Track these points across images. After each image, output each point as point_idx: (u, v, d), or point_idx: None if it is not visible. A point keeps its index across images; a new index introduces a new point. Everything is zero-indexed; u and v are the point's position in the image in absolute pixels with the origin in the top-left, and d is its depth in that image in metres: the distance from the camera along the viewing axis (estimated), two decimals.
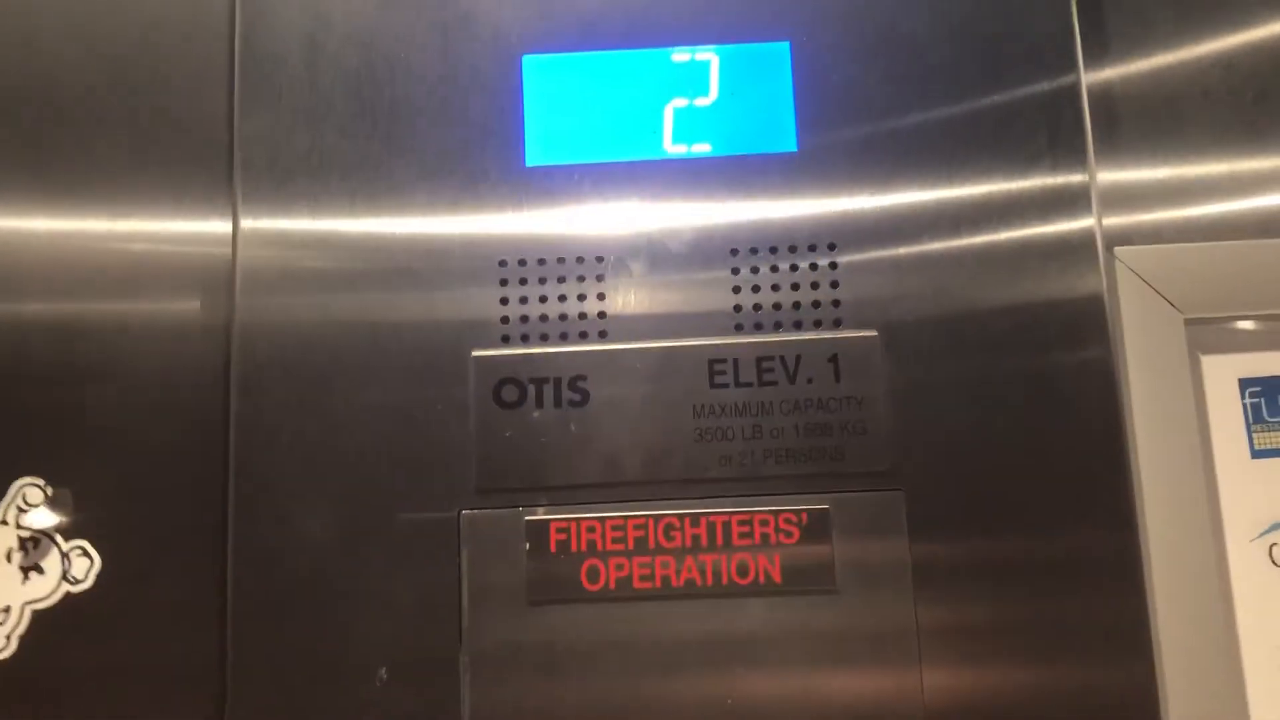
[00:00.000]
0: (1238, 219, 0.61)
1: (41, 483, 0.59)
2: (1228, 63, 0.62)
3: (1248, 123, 0.61)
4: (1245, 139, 0.61)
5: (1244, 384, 0.59)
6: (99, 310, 0.60)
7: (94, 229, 0.61)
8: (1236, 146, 0.61)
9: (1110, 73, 0.62)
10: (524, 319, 0.58)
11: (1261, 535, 0.57)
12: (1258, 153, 0.61)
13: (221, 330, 0.59)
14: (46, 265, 0.61)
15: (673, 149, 0.60)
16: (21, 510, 0.59)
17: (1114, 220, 0.60)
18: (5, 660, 0.58)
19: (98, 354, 0.60)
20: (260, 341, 0.57)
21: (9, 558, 0.59)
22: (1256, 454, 0.58)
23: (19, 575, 0.59)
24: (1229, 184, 0.61)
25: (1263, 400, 0.58)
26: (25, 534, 0.59)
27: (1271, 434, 0.58)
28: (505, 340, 0.58)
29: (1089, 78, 0.60)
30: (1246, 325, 0.59)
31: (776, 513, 0.56)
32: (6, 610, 0.58)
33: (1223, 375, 0.59)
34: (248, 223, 0.59)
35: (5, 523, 0.59)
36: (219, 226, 0.60)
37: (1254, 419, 0.58)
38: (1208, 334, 0.59)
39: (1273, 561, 0.57)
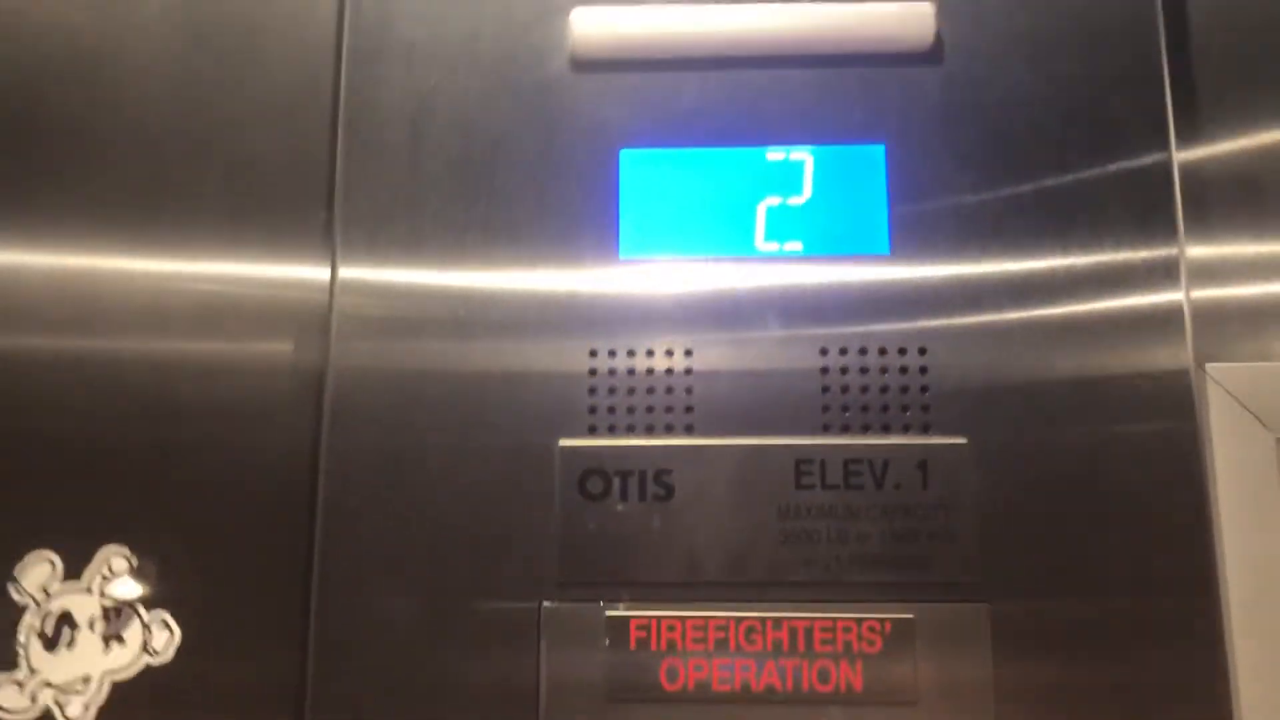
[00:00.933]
0: None
1: (127, 551, 0.60)
2: None
3: None
4: None
5: None
6: (195, 351, 0.62)
7: (196, 271, 0.63)
8: None
9: (1205, 152, 0.62)
10: (611, 410, 0.58)
11: None
12: None
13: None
14: (146, 305, 0.62)
15: (764, 247, 0.60)
16: (106, 579, 0.60)
17: (1204, 294, 0.60)
18: None
19: (189, 398, 0.61)
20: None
21: (92, 626, 0.59)
22: None
23: (101, 645, 0.59)
24: None
25: None
26: (109, 603, 0.59)
27: None
28: (592, 430, 0.58)
29: (1184, 156, 0.60)
30: None
31: (860, 620, 0.55)
32: (87, 680, 0.58)
33: None
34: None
35: (90, 591, 0.59)
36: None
37: None
38: None
39: None
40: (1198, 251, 0.61)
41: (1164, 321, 0.58)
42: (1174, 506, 0.56)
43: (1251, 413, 0.58)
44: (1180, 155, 0.60)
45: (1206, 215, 0.61)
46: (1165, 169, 0.59)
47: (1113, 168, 0.59)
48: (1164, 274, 0.58)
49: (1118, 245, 0.58)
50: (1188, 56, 0.63)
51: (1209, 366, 0.59)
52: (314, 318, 0.61)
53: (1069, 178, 0.59)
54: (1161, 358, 0.57)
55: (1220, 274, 0.61)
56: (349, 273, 0.60)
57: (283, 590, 0.58)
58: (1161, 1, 0.61)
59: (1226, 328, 0.60)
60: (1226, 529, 0.57)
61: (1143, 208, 0.59)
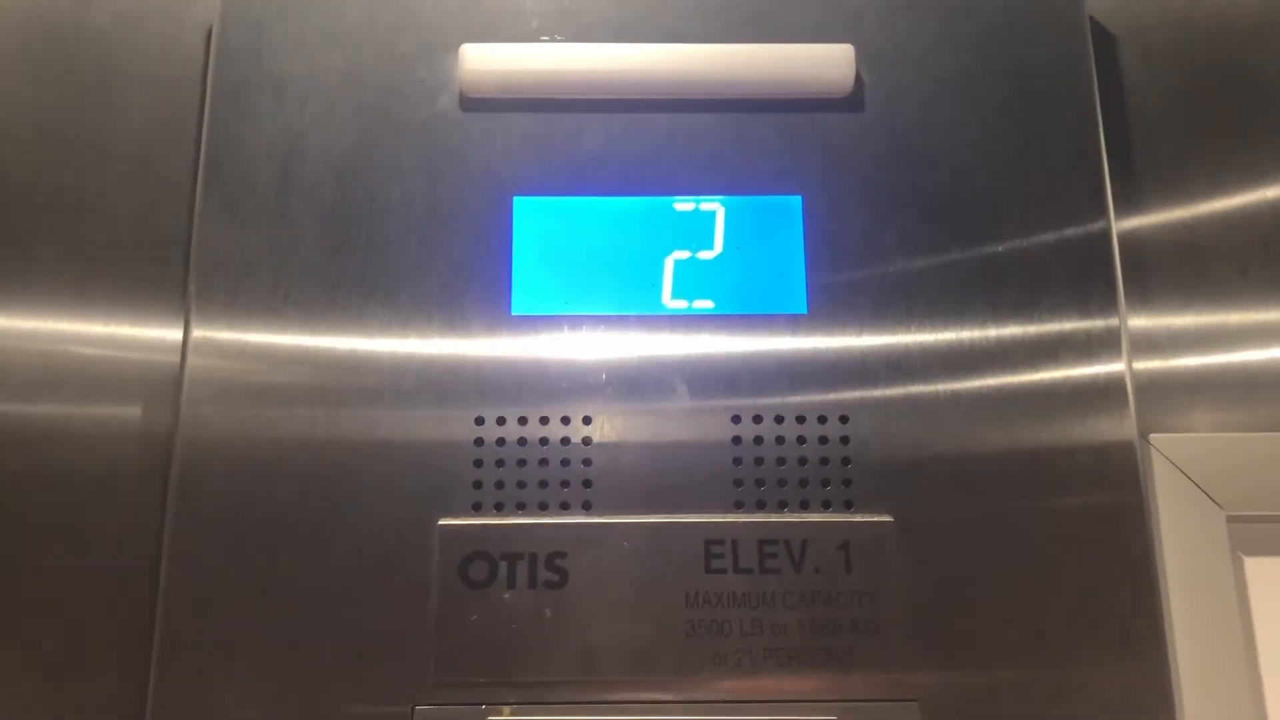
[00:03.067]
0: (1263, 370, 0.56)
1: None
2: (1264, 239, 0.58)
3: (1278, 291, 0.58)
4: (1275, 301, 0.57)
5: None
6: (32, 414, 0.54)
7: (46, 329, 0.56)
8: (1267, 303, 0.57)
9: (1140, 220, 0.58)
10: (499, 485, 0.52)
11: None
12: None
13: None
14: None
15: (672, 304, 0.55)
16: None
17: (1145, 365, 0.56)
18: None
19: (27, 463, 0.54)
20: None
21: None
22: None
23: None
24: (1258, 335, 0.57)
25: None
26: None
27: None
28: (477, 508, 0.51)
29: (1123, 225, 0.57)
30: None
31: None
32: None
33: (1269, 578, 0.53)
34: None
35: None
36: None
37: None
38: (1252, 534, 0.53)
39: None
40: (1139, 321, 0.57)
41: (1105, 393, 0.53)
42: (1120, 583, 0.51)
43: (1197, 485, 0.54)
44: (1119, 223, 0.56)
45: (1146, 284, 0.57)
46: (1104, 235, 0.55)
47: (1048, 230, 0.55)
48: (1104, 344, 0.54)
49: (1054, 313, 0.54)
50: (1121, 115, 0.59)
51: (1153, 438, 0.54)
52: (164, 381, 0.54)
53: (1001, 239, 0.55)
54: (1103, 430, 0.53)
55: (1162, 344, 0.57)
56: (203, 332, 0.53)
57: (119, 688, 0.50)
58: (1095, 60, 0.58)
59: (1169, 399, 0.56)
60: (1175, 604, 0.52)
61: (1081, 275, 0.55)
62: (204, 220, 0.55)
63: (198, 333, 0.53)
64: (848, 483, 0.52)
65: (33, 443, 0.54)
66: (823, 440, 0.53)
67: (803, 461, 0.52)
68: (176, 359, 0.54)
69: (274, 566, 0.50)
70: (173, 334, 0.55)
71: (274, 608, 0.50)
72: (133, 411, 0.55)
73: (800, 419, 0.53)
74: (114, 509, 0.53)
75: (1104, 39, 0.60)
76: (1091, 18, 0.59)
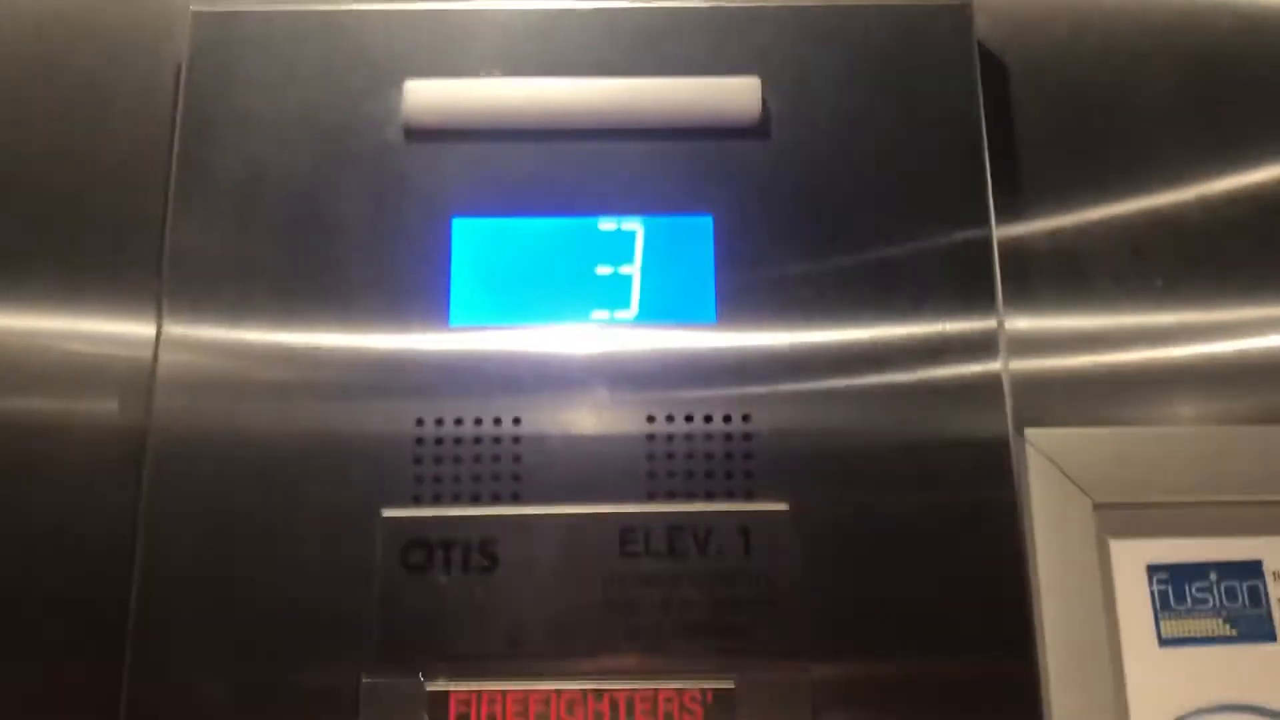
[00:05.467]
0: (1138, 371, 0.62)
1: None
2: (1136, 246, 0.64)
3: (1150, 290, 0.63)
4: (1149, 302, 0.63)
5: (1152, 570, 0.59)
6: (16, 409, 0.61)
7: (32, 327, 0.62)
8: (1140, 308, 0.63)
9: (1022, 229, 0.64)
10: (437, 479, 0.58)
11: None
12: (1161, 313, 0.63)
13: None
14: None
15: (596, 315, 0.61)
16: None
17: (1023, 365, 0.61)
18: None
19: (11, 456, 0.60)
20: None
21: None
22: (1164, 642, 0.58)
23: None
24: (1132, 338, 0.62)
25: (1170, 587, 0.59)
26: None
27: (1179, 622, 0.58)
28: (417, 499, 0.58)
29: (1004, 232, 0.62)
30: (1155, 511, 0.59)
31: (681, 690, 0.55)
32: None
33: (1131, 560, 0.59)
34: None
35: None
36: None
37: (1161, 606, 0.59)
38: (1118, 518, 0.59)
39: None
40: (1018, 323, 0.62)
41: (983, 389, 0.59)
42: (993, 570, 0.57)
43: (1069, 477, 0.59)
44: (1000, 230, 0.62)
45: (1027, 288, 0.63)
46: (985, 243, 0.61)
47: (933, 242, 0.61)
48: (983, 344, 0.59)
49: (938, 316, 0.60)
50: (1008, 134, 0.65)
51: (1028, 432, 0.60)
52: (138, 375, 0.60)
53: (890, 251, 0.61)
54: (981, 424, 0.58)
55: (1040, 345, 0.63)
56: (174, 329, 0.59)
57: (98, 662, 0.56)
58: (985, 85, 0.63)
59: (1046, 396, 0.62)
60: (1045, 592, 0.58)
61: (963, 280, 0.60)
62: (174, 235, 0.61)
63: (169, 329, 0.59)
64: (749, 475, 0.58)
65: (17, 437, 0.60)
66: (727, 437, 0.58)
67: (709, 456, 0.58)
68: (150, 354, 0.59)
69: (235, 551, 0.56)
70: (146, 330, 0.61)
71: (235, 589, 0.56)
72: (110, 405, 0.61)
73: (707, 418, 0.59)
74: (94, 500, 0.59)
75: (994, 66, 0.66)
76: (982, 45, 0.65)
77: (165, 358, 0.59)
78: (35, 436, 0.60)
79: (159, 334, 0.60)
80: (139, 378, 0.60)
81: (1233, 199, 0.65)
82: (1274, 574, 0.59)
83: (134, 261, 0.62)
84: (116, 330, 0.61)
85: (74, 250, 0.63)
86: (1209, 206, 0.65)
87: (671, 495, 0.58)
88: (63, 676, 0.57)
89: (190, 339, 0.60)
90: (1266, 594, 0.59)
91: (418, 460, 0.58)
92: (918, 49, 0.64)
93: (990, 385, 0.59)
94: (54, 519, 0.59)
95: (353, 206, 0.61)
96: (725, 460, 0.58)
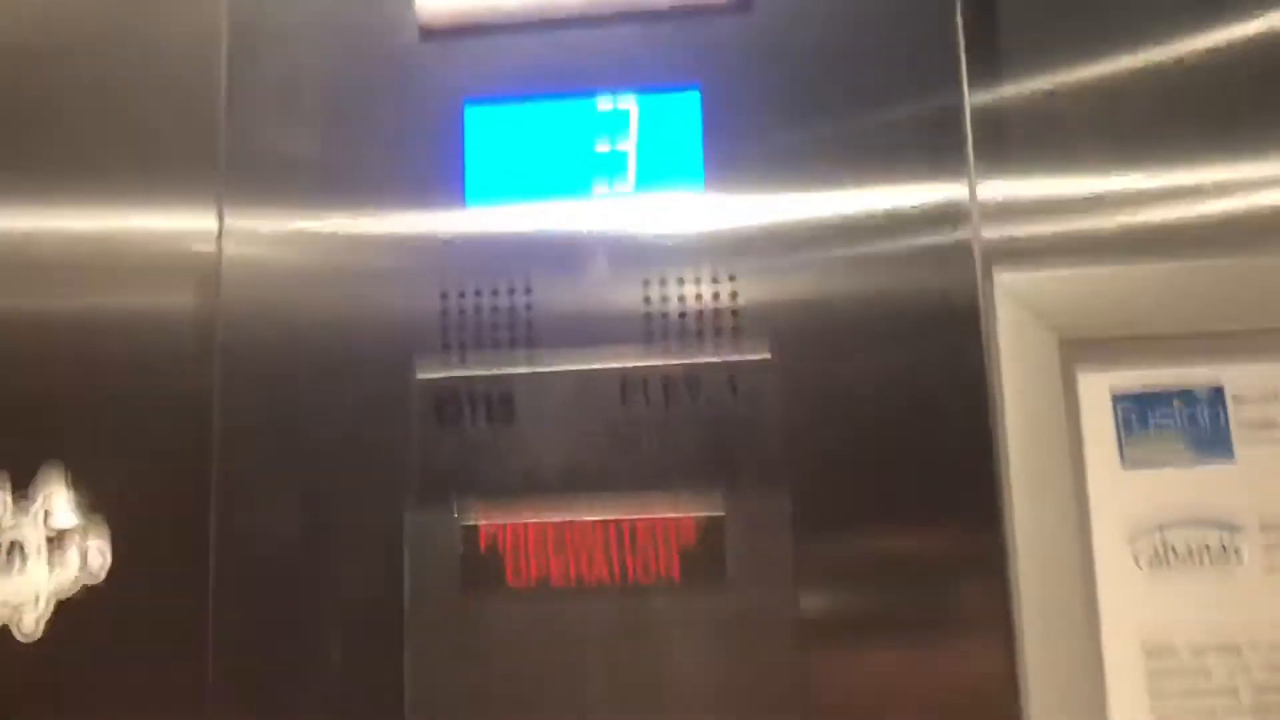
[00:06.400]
0: (1112, 234, 0.65)
1: (68, 492, 0.69)
2: (1115, 106, 0.66)
3: (1128, 150, 0.66)
4: (1126, 163, 0.65)
5: (1116, 398, 0.64)
6: (104, 304, 0.71)
7: (97, 228, 0.72)
8: (1116, 170, 0.66)
9: (999, 92, 0.67)
10: (461, 344, 0.66)
11: (1128, 540, 0.62)
12: (1137, 174, 0.65)
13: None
14: (54, 261, 0.72)
15: (597, 188, 0.67)
16: (49, 513, 0.69)
17: (995, 233, 0.65)
18: (34, 645, 0.68)
19: (106, 348, 0.70)
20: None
21: (39, 552, 0.69)
22: (1127, 464, 0.63)
23: (47, 569, 0.69)
24: (1106, 202, 0.65)
25: (1134, 414, 0.63)
26: (52, 533, 0.69)
27: (1141, 446, 0.63)
28: (445, 362, 0.66)
29: (978, 97, 0.65)
30: (1120, 344, 0.63)
31: (677, 519, 0.63)
32: (36, 599, 0.68)
33: (1097, 389, 0.64)
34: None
35: (37, 524, 0.69)
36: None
37: (1125, 431, 0.63)
38: (1084, 351, 0.64)
39: (1137, 564, 0.62)
40: (993, 188, 0.65)
41: (954, 250, 0.63)
42: (962, 403, 0.62)
43: (1037, 314, 0.64)
44: (976, 95, 0.65)
45: (1003, 152, 0.66)
46: (957, 109, 0.64)
47: (906, 109, 0.64)
48: (955, 211, 0.63)
49: (911, 181, 0.64)
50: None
51: (997, 275, 0.64)
52: (207, 266, 0.69)
53: (865, 118, 0.65)
54: (950, 272, 0.63)
55: (1014, 210, 0.65)
56: (234, 222, 0.68)
57: (191, 508, 0.67)
58: None
59: (1018, 251, 0.65)
60: (1011, 420, 0.63)
61: (935, 146, 0.64)
62: (228, 137, 0.69)
63: (230, 222, 0.68)
64: (735, 330, 0.64)
65: (108, 329, 0.70)
66: (715, 296, 0.65)
67: (699, 314, 0.65)
68: (214, 246, 0.69)
69: (295, 413, 0.66)
70: (211, 224, 0.70)
71: (296, 444, 0.66)
72: (185, 296, 0.70)
73: (697, 279, 0.65)
74: (178, 377, 0.69)
75: None
76: None
77: (228, 248, 0.68)
78: (121, 326, 0.70)
79: (221, 226, 0.68)
80: (207, 268, 0.69)
81: (1216, 53, 0.66)
82: (1234, 398, 0.63)
83: (196, 162, 0.71)
84: (184, 226, 0.70)
85: (142, 156, 0.72)
86: (1192, 63, 0.66)
87: (666, 349, 0.65)
88: (166, 518, 0.68)
89: (247, 230, 0.68)
90: (1227, 417, 0.63)
91: (444, 327, 0.66)
92: None
93: (961, 247, 0.63)
94: (144, 391, 0.69)
95: (376, 101, 0.68)
96: (713, 317, 0.65)
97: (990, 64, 0.67)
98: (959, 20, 0.65)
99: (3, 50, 0.75)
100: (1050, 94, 0.67)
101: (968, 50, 0.65)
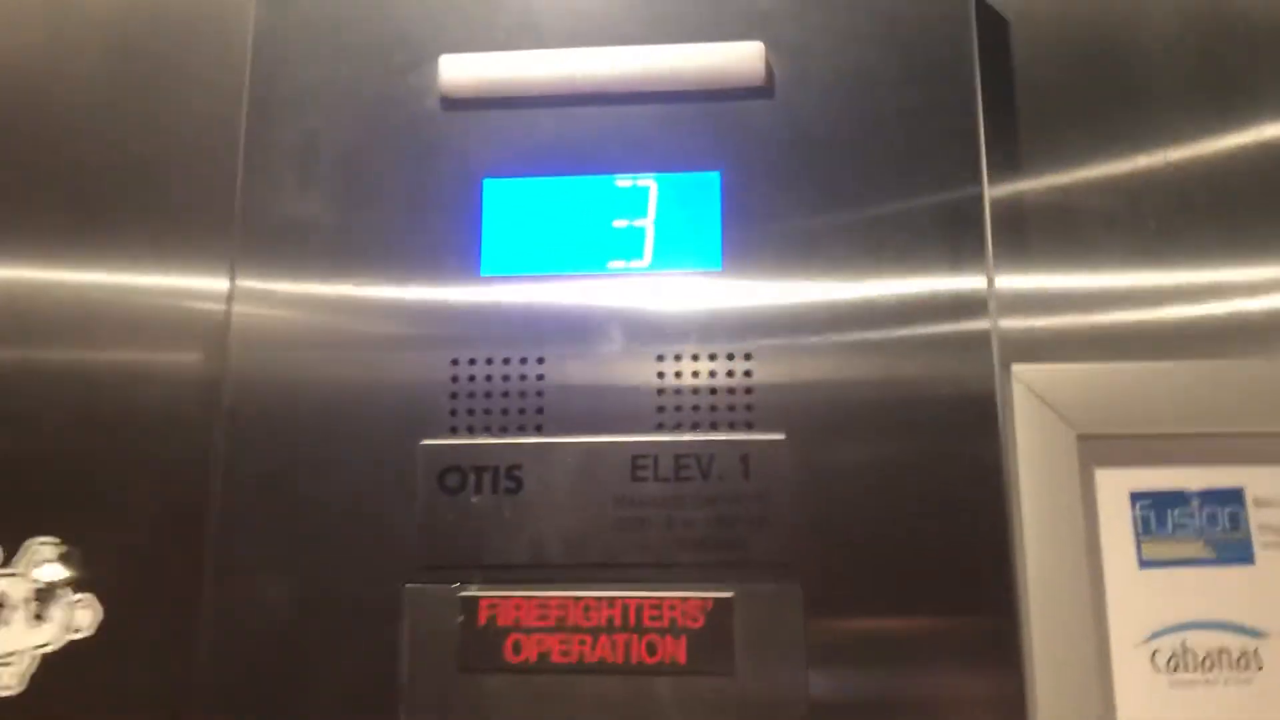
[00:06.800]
0: (1131, 331, 0.65)
1: (55, 540, 0.68)
2: (1132, 192, 0.67)
3: (1147, 248, 0.66)
4: (1144, 261, 0.66)
5: (1135, 497, 0.63)
6: (108, 360, 0.70)
7: (107, 281, 0.72)
8: (1135, 267, 0.66)
9: (1019, 186, 0.67)
10: (470, 411, 0.65)
11: (1145, 641, 0.61)
12: (1156, 272, 0.66)
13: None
14: (68, 315, 0.71)
15: (612, 265, 0.67)
16: (36, 565, 0.68)
17: (1013, 325, 0.65)
18: (16, 698, 0.66)
19: (107, 404, 0.69)
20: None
21: (25, 605, 0.67)
22: (1144, 564, 0.62)
23: (31, 622, 0.67)
24: (1125, 298, 0.65)
25: (1152, 513, 0.62)
26: (38, 585, 0.67)
27: (1158, 545, 0.62)
28: (453, 430, 0.65)
29: (997, 190, 0.65)
30: (1138, 442, 0.63)
31: (685, 598, 0.61)
32: (18, 653, 0.66)
33: (1115, 488, 0.63)
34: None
35: (20, 575, 0.68)
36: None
37: (1143, 530, 0.62)
38: (1101, 448, 0.63)
39: (1154, 666, 0.61)
40: (1010, 280, 0.66)
41: (971, 341, 0.63)
42: (977, 496, 0.61)
43: (1054, 409, 0.63)
44: (996, 187, 0.65)
45: (1021, 245, 0.66)
46: (976, 200, 0.64)
47: (925, 198, 0.65)
48: (972, 302, 0.63)
49: (928, 272, 0.64)
50: (1008, 90, 0.68)
51: (1015, 367, 0.64)
52: (215, 327, 0.69)
53: (884, 206, 0.65)
54: (967, 365, 0.62)
55: (1031, 303, 0.66)
56: (245, 283, 0.68)
57: (190, 576, 0.66)
58: (986, 42, 0.67)
59: (1034, 342, 0.65)
60: (1028, 517, 0.62)
61: (954, 237, 0.64)
62: (245, 197, 0.69)
63: (241, 283, 0.68)
64: (749, 408, 0.64)
65: (111, 385, 0.70)
66: (729, 374, 0.64)
67: (713, 391, 0.64)
68: (225, 306, 0.68)
69: (296, 478, 0.65)
70: (222, 284, 0.69)
71: (296, 511, 0.64)
72: (193, 355, 0.70)
73: (712, 356, 0.64)
74: (179, 437, 0.68)
75: (994, 22, 0.69)
76: (984, 3, 0.68)
77: (238, 309, 0.68)
78: (124, 383, 0.69)
79: (232, 288, 0.68)
80: (215, 329, 0.69)
81: (1234, 155, 0.67)
82: (1255, 500, 0.62)
83: (209, 222, 0.71)
84: (195, 285, 0.70)
85: (156, 213, 0.73)
86: (1210, 163, 0.67)
87: (679, 427, 0.64)
88: (156, 583, 0.66)
89: (259, 292, 0.68)
90: (1247, 519, 0.62)
91: (453, 395, 0.65)
92: (916, 7, 0.67)
93: (978, 338, 0.63)
94: (142, 451, 0.68)
95: (395, 170, 0.69)
96: (728, 395, 0.64)
97: (1009, 158, 0.68)
98: (979, 114, 0.65)
99: (19, 101, 0.76)
100: (1069, 189, 0.67)
101: (988, 144, 0.65)
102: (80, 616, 0.67)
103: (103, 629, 0.67)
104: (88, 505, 0.68)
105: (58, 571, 0.67)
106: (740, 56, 0.67)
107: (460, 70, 0.68)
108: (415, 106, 0.69)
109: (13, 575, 0.67)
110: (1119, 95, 0.68)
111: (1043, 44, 0.69)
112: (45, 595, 0.67)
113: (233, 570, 0.64)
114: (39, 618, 0.67)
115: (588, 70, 0.68)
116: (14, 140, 0.75)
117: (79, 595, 0.67)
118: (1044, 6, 0.70)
